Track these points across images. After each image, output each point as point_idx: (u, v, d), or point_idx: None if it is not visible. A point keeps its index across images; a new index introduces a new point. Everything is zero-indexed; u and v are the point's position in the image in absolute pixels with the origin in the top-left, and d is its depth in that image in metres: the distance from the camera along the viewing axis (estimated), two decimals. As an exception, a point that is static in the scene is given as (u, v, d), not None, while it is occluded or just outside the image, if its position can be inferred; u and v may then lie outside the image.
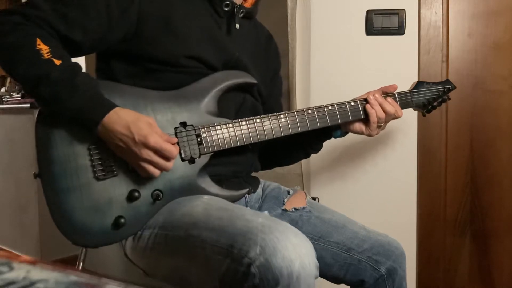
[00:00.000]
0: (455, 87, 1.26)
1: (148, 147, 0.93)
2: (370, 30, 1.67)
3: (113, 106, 0.94)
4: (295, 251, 0.82)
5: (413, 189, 1.71)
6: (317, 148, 1.30)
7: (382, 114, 1.15)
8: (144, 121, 0.94)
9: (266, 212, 1.15)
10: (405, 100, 1.21)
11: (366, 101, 1.16)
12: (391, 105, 1.17)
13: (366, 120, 1.17)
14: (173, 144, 0.97)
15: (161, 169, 0.96)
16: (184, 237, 0.94)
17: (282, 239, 0.83)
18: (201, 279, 0.95)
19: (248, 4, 1.19)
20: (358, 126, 1.19)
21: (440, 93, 1.25)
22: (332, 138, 1.26)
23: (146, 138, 0.92)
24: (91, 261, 1.23)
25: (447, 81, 1.27)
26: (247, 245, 0.83)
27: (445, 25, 1.67)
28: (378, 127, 1.18)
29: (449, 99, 1.28)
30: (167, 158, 0.96)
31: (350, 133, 1.23)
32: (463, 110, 1.70)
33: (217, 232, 0.89)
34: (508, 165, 1.69)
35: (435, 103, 1.26)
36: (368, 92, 1.19)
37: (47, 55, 0.91)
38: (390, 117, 1.17)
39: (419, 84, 1.25)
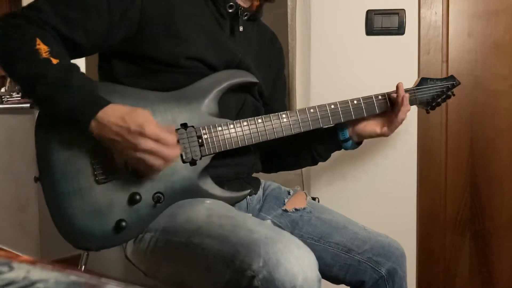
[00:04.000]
0: (459, 83, 1.23)
1: (144, 135, 0.88)
2: (370, 30, 1.67)
3: (108, 102, 0.92)
4: (298, 265, 0.81)
5: (413, 189, 1.71)
6: (325, 157, 1.29)
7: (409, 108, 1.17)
8: (139, 112, 0.91)
9: (268, 221, 1.14)
10: (408, 98, 1.19)
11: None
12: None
13: (385, 115, 1.18)
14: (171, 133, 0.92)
15: (162, 157, 0.90)
16: (185, 244, 0.93)
17: (285, 251, 0.82)
18: (202, 285, 0.94)
19: (253, 7, 1.17)
20: (371, 125, 1.20)
21: (444, 89, 1.23)
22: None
23: (142, 126, 0.88)
24: (92, 262, 1.23)
25: (451, 77, 1.25)
26: (250, 257, 0.82)
27: (445, 25, 1.67)
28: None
29: (453, 95, 1.25)
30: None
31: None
32: (463, 110, 1.69)
33: (219, 240, 0.88)
34: (508, 165, 1.68)
35: (439, 100, 1.24)
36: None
37: (45, 54, 0.90)
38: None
39: (422, 80, 1.23)
